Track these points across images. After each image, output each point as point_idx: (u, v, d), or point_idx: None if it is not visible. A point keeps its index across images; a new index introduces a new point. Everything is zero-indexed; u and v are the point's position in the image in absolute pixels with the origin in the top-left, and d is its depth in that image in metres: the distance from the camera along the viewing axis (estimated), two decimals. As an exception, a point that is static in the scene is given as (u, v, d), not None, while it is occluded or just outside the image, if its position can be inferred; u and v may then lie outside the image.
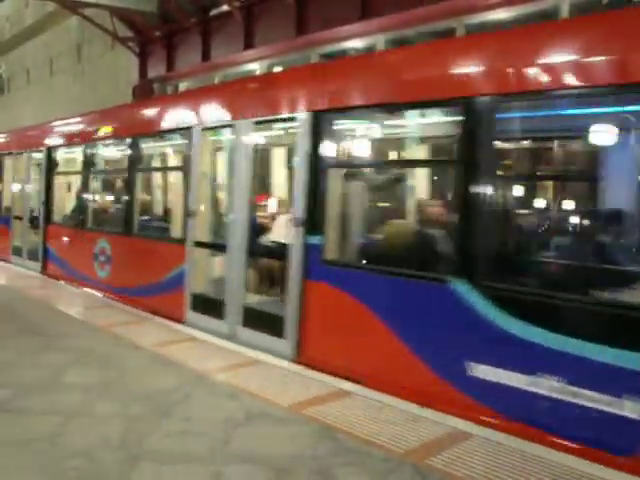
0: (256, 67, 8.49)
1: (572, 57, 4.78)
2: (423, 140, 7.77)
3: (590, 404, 4.49)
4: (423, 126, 7.07)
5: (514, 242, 6.88)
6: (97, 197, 12.60)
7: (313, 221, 6.72)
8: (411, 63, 6.09)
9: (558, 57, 4.86)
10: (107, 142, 11.48)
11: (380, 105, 6.22)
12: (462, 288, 5.20)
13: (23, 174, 14.76)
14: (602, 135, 5.49)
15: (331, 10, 16.93)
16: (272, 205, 9.84)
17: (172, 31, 24.72)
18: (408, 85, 5.84)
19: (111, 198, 13.34)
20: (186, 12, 23.08)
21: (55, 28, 37.22)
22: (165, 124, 9.54)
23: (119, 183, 12.46)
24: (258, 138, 8.35)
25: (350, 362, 6.15)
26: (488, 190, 5.15)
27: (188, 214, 8.67)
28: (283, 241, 7.68)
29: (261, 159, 9.81)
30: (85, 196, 12.35)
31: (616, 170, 5.46)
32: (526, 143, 7.24)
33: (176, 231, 9.63)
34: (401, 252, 6.48)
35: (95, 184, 12.62)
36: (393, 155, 8.80)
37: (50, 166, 13.30)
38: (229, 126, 8.08)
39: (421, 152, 7.72)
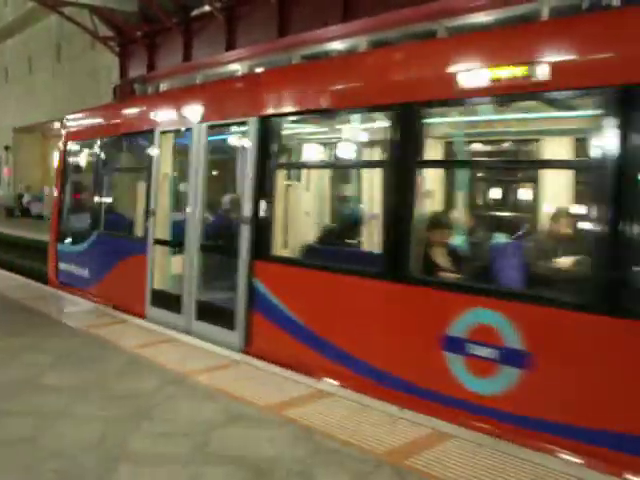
0: (238, 68, 8.45)
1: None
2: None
3: None
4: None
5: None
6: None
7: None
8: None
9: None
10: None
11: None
12: None
13: (173, 163, 9.40)
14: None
15: (313, 11, 16.97)
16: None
17: (153, 31, 24.62)
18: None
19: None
20: (167, 12, 22.97)
21: (35, 26, 36.91)
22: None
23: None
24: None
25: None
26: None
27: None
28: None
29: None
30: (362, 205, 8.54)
31: None
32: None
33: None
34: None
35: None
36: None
37: (269, 149, 7.32)
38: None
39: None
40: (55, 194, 12.46)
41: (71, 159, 12.28)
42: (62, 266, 11.73)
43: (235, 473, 4.18)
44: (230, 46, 19.85)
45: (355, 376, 6.10)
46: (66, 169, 12.26)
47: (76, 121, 12.34)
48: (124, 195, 11.77)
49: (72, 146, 12.25)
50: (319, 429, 4.91)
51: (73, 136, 12.24)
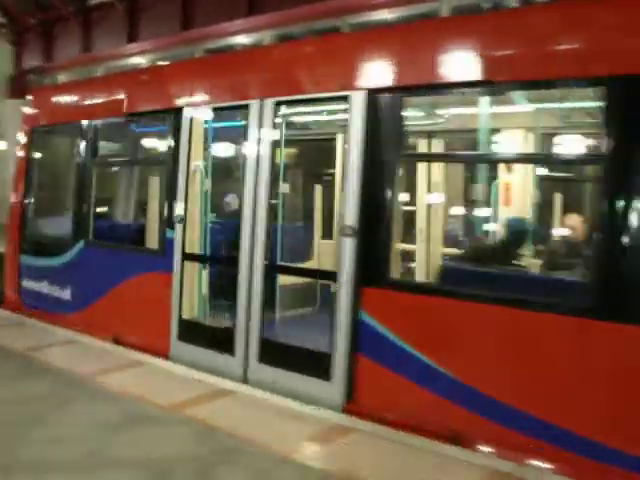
0: (141, 61, 8.22)
1: None
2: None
3: None
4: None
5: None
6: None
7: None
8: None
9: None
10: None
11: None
12: None
13: (207, 153, 7.40)
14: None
15: (218, 6, 16.77)
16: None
17: (50, 20, 23.64)
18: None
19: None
20: (63, 0, 22.19)
21: None
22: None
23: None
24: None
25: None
26: None
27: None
28: None
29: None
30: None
31: None
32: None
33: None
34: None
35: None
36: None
37: (385, 133, 5.51)
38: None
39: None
40: (13, 195, 9.83)
41: (39, 150, 9.70)
42: (27, 284, 9.20)
43: (134, 476, 4.06)
44: (132, 39, 19.33)
45: (553, 448, 4.41)
46: (30, 163, 9.56)
47: (46, 100, 9.61)
48: (126, 195, 9.80)
49: (40, 134, 9.58)
50: (221, 427, 4.85)
51: (42, 120, 9.56)
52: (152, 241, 7.93)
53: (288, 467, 4.19)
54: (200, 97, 7.08)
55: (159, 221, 7.56)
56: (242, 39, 7.26)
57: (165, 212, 7.22)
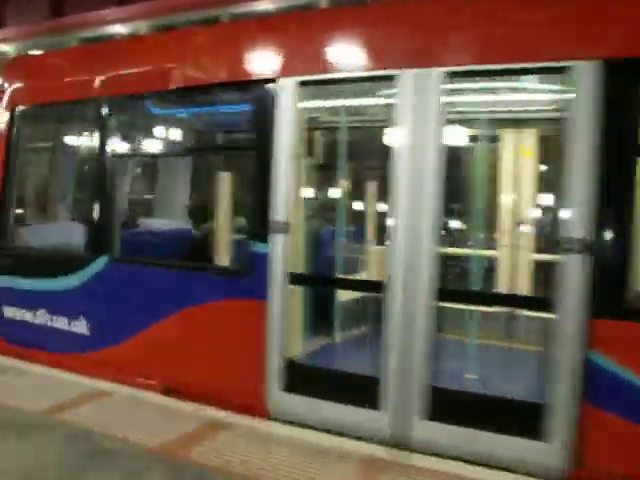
0: (7, 49, 7.82)
1: None
2: None
3: None
4: None
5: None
6: None
7: None
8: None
9: None
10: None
11: None
12: None
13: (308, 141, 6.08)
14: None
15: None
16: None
17: None
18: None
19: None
20: None
21: None
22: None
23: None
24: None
25: None
26: None
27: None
28: None
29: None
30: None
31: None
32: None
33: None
34: None
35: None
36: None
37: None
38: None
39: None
40: None
41: (25, 137, 7.34)
42: (9, 313, 6.90)
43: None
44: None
45: None
46: (13, 153, 7.07)
47: (36, 72, 7.21)
48: (171, 195, 8.14)
49: (27, 115, 7.04)
50: (95, 429, 4.70)
51: (30, 97, 7.12)
52: (222, 256, 6.29)
53: None
54: (310, 65, 5.19)
55: (234, 229, 6.11)
56: (119, 28, 7.14)
57: (248, 217, 5.69)
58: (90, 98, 6.12)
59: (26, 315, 6.63)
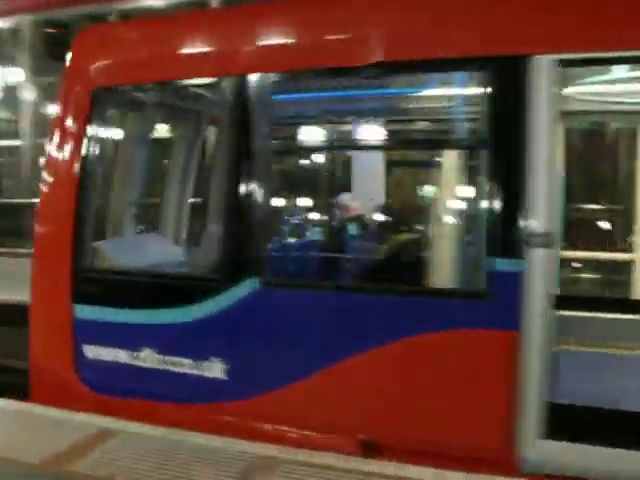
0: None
1: None
2: None
3: None
4: None
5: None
6: None
7: None
8: None
9: None
10: None
11: None
12: None
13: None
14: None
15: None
16: None
17: None
18: None
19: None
20: None
21: None
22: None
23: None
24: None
25: None
26: None
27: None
28: None
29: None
30: None
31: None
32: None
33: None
34: None
35: None
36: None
37: None
38: None
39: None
40: (47, 202, 5.24)
41: (111, 126, 5.76)
42: (96, 354, 5.14)
43: None
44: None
45: None
46: (92, 148, 5.06)
47: (127, 44, 5.30)
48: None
49: (114, 98, 5.32)
50: None
51: (121, 75, 5.13)
52: (441, 276, 5.04)
53: None
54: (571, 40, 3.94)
55: (462, 243, 5.06)
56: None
57: (480, 226, 4.50)
58: (233, 75, 4.52)
59: (122, 356, 4.85)
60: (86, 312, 4.89)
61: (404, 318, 4.03)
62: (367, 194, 6.37)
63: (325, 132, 6.34)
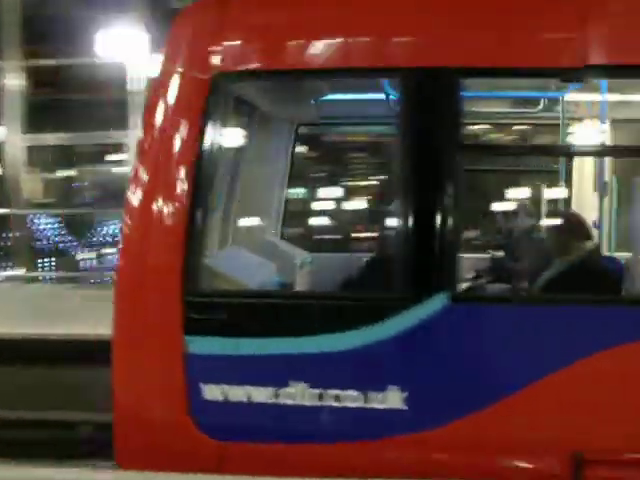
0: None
1: None
2: None
3: None
4: None
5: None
6: None
7: None
8: None
9: None
10: None
11: None
12: None
13: None
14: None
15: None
16: None
17: None
18: None
19: None
20: None
21: None
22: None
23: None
24: None
25: None
26: None
27: None
28: None
29: None
30: None
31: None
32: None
33: None
34: None
35: None
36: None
37: None
38: None
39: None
40: (141, 209, 4.03)
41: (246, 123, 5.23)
42: (218, 393, 3.92)
43: None
44: None
45: None
46: (215, 146, 3.99)
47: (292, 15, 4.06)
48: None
49: (251, 85, 4.64)
50: None
51: (267, 58, 3.96)
52: None
53: None
54: None
55: None
56: None
57: None
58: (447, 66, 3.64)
59: (257, 394, 3.95)
60: (204, 345, 3.96)
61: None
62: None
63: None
